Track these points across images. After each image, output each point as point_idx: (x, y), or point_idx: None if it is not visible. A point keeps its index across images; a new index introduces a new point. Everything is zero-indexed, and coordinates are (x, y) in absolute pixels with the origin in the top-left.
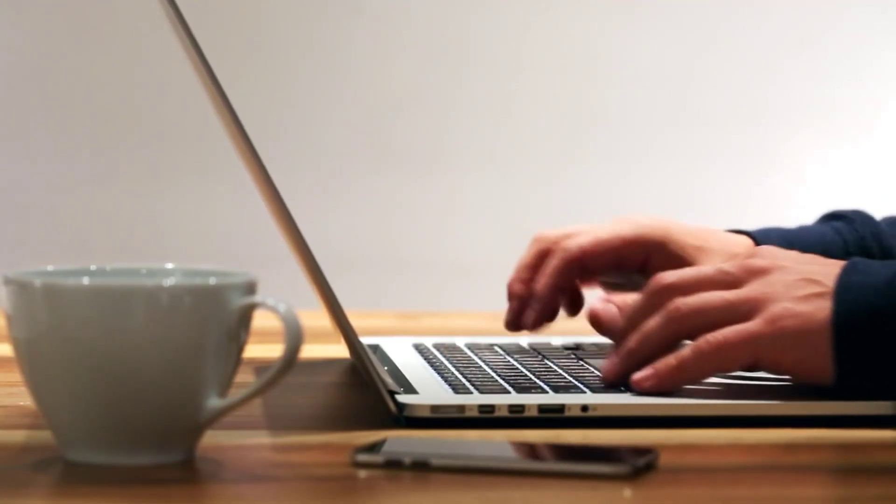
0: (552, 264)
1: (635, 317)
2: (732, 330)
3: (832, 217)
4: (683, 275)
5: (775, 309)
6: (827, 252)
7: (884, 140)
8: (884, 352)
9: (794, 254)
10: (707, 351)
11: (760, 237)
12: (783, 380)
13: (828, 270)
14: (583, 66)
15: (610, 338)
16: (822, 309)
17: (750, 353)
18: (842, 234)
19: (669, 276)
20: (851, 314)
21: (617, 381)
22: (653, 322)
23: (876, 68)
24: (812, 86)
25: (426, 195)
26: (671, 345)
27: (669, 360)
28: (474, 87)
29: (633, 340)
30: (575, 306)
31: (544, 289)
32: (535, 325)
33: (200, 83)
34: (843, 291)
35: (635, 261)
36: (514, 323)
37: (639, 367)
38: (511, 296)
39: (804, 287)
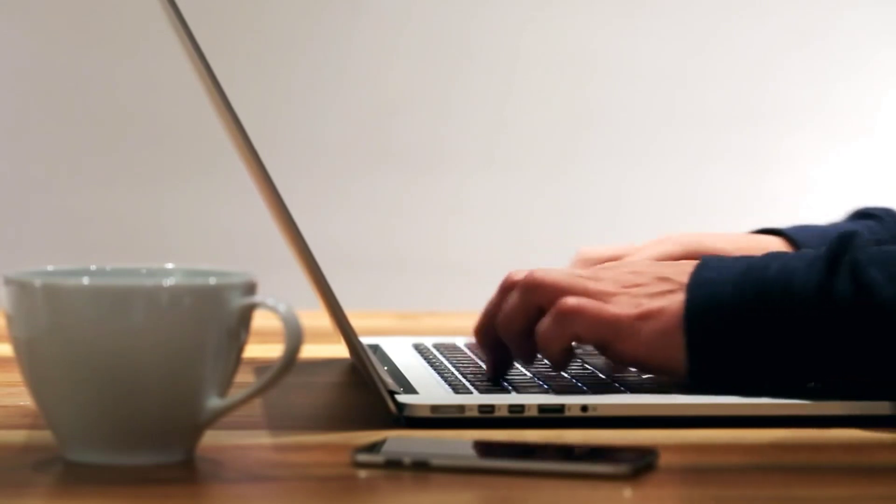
0: None
1: (493, 309)
2: (592, 302)
3: (862, 215)
4: (533, 271)
5: (631, 301)
6: None
7: (883, 139)
8: (735, 346)
9: (644, 260)
10: (565, 312)
11: (795, 234)
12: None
13: (679, 269)
14: (583, 67)
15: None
16: (675, 303)
17: (605, 331)
18: (875, 233)
19: (518, 273)
20: (703, 308)
21: (499, 374)
22: (511, 299)
23: (875, 67)
24: (812, 85)
25: (426, 195)
26: (533, 319)
27: (536, 335)
28: (474, 88)
29: (499, 323)
30: None
31: None
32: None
33: (200, 83)
34: (695, 287)
35: None
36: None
37: (515, 343)
38: None
39: (657, 285)
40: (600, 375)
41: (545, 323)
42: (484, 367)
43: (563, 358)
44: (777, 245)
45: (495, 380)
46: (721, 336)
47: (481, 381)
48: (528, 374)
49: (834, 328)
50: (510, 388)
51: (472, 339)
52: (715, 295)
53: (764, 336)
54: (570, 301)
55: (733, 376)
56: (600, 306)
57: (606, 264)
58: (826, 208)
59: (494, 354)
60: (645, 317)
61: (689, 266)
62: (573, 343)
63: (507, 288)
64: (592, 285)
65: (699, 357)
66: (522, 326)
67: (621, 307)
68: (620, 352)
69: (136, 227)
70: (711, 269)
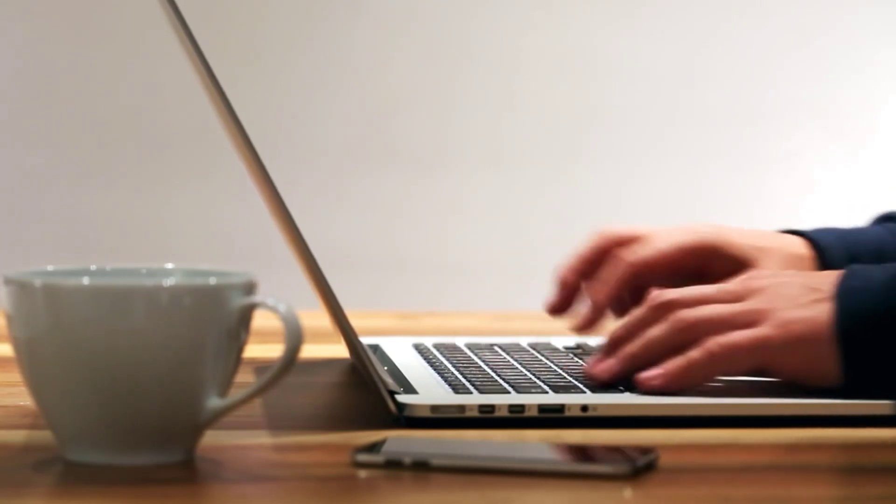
0: (615, 275)
1: (636, 325)
2: (742, 334)
3: (887, 218)
4: (685, 292)
5: (781, 315)
6: (883, 253)
7: (885, 139)
8: (887, 353)
9: (790, 270)
10: (717, 352)
11: (815, 236)
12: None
13: (826, 279)
14: (584, 67)
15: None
16: (825, 312)
17: (758, 357)
18: None
19: (670, 293)
20: (854, 317)
21: (606, 381)
22: (657, 330)
23: (877, 67)
24: (813, 85)
25: (426, 195)
26: (673, 354)
27: (678, 360)
28: (475, 88)
29: (635, 345)
30: (622, 310)
31: (602, 297)
32: (585, 329)
33: (200, 83)
34: (844, 296)
35: (692, 268)
36: (558, 309)
37: (636, 371)
38: (560, 282)
39: (806, 294)
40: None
41: (695, 357)
42: (596, 370)
43: (685, 387)
44: (799, 246)
45: (555, 311)
46: (875, 344)
47: (586, 382)
48: (528, 373)
49: None
50: (510, 388)
51: (473, 339)
52: (865, 302)
53: None
54: (719, 341)
55: (888, 383)
56: (747, 336)
57: (750, 274)
58: (827, 208)
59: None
60: (795, 331)
61: (834, 275)
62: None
63: (655, 308)
64: (738, 308)
65: (855, 366)
66: (656, 359)
67: (770, 328)
68: (778, 371)
69: (136, 227)
70: (858, 277)
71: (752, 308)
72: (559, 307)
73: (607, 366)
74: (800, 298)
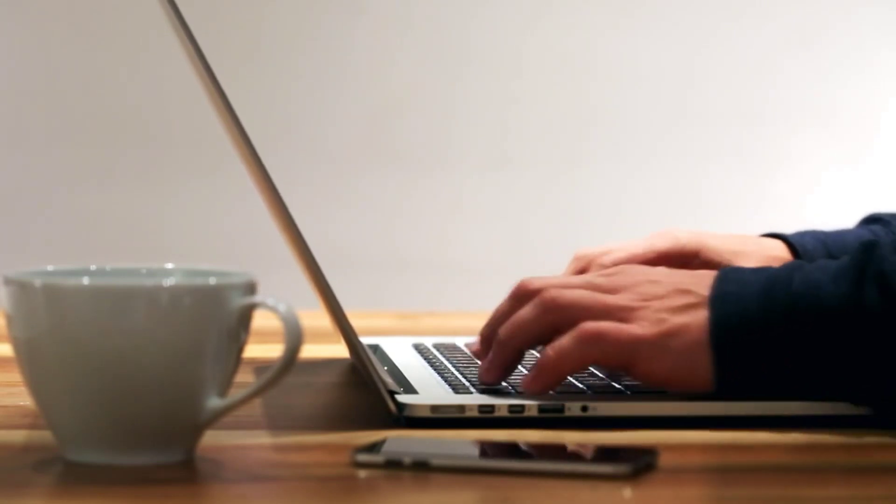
0: None
1: (502, 314)
2: (614, 325)
3: (871, 220)
4: (549, 279)
5: (653, 317)
6: None
7: (887, 139)
8: (763, 360)
9: (662, 269)
10: (586, 337)
11: (796, 240)
12: None
13: (699, 281)
14: (585, 68)
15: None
16: (699, 319)
17: (628, 353)
18: (879, 237)
19: (535, 281)
20: (728, 324)
21: (495, 381)
22: (524, 311)
23: (880, 68)
24: (816, 86)
25: (426, 195)
26: (544, 337)
27: (547, 352)
28: (475, 88)
29: (503, 329)
30: None
31: None
32: None
33: (200, 83)
34: (719, 302)
35: None
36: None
37: (513, 358)
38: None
39: (677, 298)
40: (600, 375)
41: (564, 344)
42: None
43: (560, 381)
44: (779, 249)
45: (494, 384)
46: (749, 351)
47: (476, 384)
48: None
49: (864, 339)
50: (510, 388)
51: (473, 339)
52: (740, 310)
53: (793, 350)
54: (590, 326)
55: (762, 390)
56: (621, 329)
57: (620, 268)
58: (829, 209)
59: (498, 360)
60: (668, 335)
61: (708, 278)
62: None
63: (520, 297)
64: (612, 300)
65: (727, 373)
66: (529, 342)
67: (643, 327)
68: (644, 373)
69: (136, 227)
70: (732, 281)
71: (623, 304)
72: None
73: (486, 363)
74: (672, 300)
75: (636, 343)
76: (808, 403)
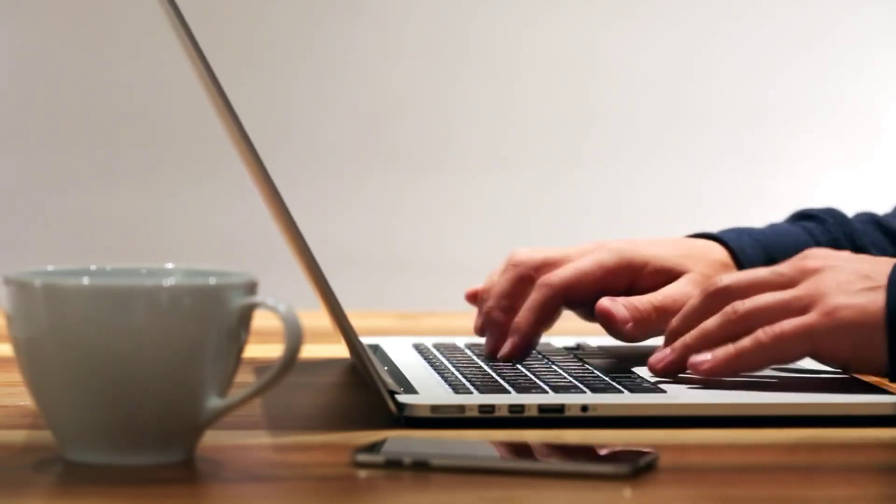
0: (536, 300)
1: (691, 316)
2: (790, 322)
3: (803, 216)
4: (739, 277)
5: (831, 301)
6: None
7: (887, 139)
8: None
9: (845, 254)
10: (765, 341)
11: (733, 242)
12: (782, 378)
13: (879, 268)
14: (585, 68)
15: (619, 337)
16: (876, 301)
17: (807, 344)
18: (814, 235)
19: (725, 279)
20: None
21: (667, 374)
22: (710, 321)
23: (880, 68)
24: (816, 86)
25: (426, 195)
26: (728, 341)
27: (728, 347)
28: (475, 88)
29: (690, 336)
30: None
31: (527, 325)
32: (516, 358)
33: (200, 83)
34: None
35: (620, 286)
36: (496, 354)
37: (684, 358)
38: (492, 325)
39: (857, 282)
40: (600, 375)
41: (746, 347)
42: (659, 365)
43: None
44: (720, 253)
45: (495, 356)
46: None
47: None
48: (528, 373)
49: None
50: (510, 388)
51: (473, 339)
52: None
53: None
54: (770, 332)
55: None
56: (796, 326)
57: (805, 253)
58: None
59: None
60: (845, 316)
61: (886, 265)
62: None
63: (712, 295)
64: (791, 296)
65: None
66: (712, 347)
67: (820, 314)
68: (829, 356)
69: (136, 227)
70: None
71: (803, 294)
72: (496, 351)
73: (663, 356)
74: (853, 285)
75: (811, 332)
76: (806, 402)
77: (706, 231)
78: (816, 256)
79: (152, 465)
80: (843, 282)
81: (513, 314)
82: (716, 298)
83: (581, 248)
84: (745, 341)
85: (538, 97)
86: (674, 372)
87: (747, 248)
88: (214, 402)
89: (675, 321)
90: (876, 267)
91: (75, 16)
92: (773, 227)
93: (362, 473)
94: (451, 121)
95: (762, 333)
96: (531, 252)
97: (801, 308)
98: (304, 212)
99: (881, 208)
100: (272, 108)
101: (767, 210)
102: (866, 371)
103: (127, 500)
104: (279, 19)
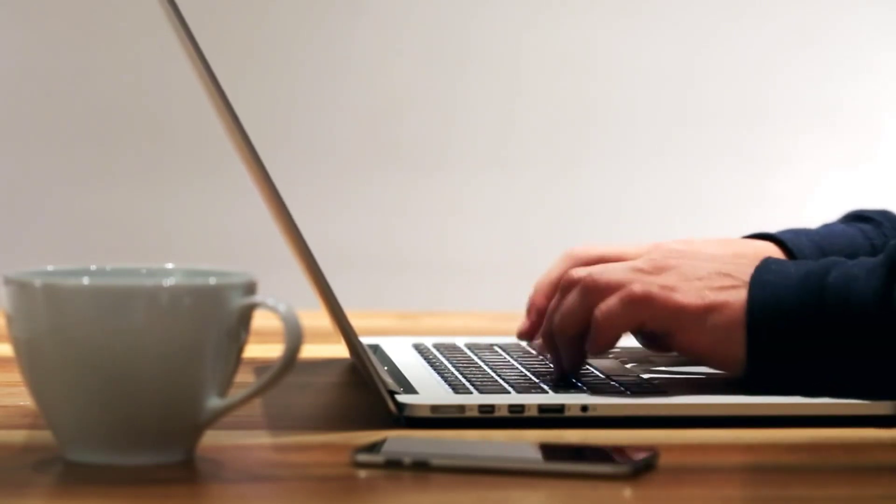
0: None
1: (553, 309)
2: (662, 291)
3: (857, 217)
4: (593, 269)
5: (695, 293)
6: (856, 255)
7: (887, 139)
8: (794, 348)
9: (701, 252)
10: (634, 299)
11: (790, 241)
12: None
13: (738, 267)
14: (585, 68)
15: (534, 345)
16: (738, 299)
17: (672, 320)
18: (870, 237)
19: (580, 271)
20: (765, 308)
21: (565, 370)
22: (569, 299)
23: (880, 68)
24: (816, 86)
25: (426, 195)
26: (589, 319)
27: (595, 315)
28: (475, 88)
29: (555, 323)
30: None
31: (570, 330)
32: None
33: (200, 83)
34: (757, 286)
35: None
36: (530, 335)
37: (568, 347)
38: (531, 308)
39: (718, 279)
40: (600, 375)
41: (611, 305)
42: (552, 366)
43: (612, 344)
44: (771, 250)
45: (566, 378)
46: (781, 337)
47: (549, 380)
48: (528, 373)
49: (891, 335)
50: (510, 388)
51: (473, 339)
52: (776, 296)
53: (823, 341)
54: (638, 287)
55: (790, 378)
56: (668, 294)
57: (661, 251)
58: (830, 209)
59: (558, 353)
60: (710, 309)
61: (748, 265)
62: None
63: (565, 288)
64: (657, 280)
65: (758, 355)
66: (579, 329)
67: (687, 297)
68: (684, 341)
69: (136, 227)
70: (772, 271)
71: (665, 282)
72: (530, 333)
73: (553, 358)
74: (712, 281)
75: (680, 311)
76: (806, 402)
77: (764, 231)
78: (672, 254)
79: (152, 465)
80: (704, 278)
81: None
82: (570, 289)
83: (637, 247)
84: (612, 300)
85: (538, 97)
86: (570, 366)
87: (805, 248)
88: (214, 402)
89: (542, 328)
90: (733, 266)
91: (76, 16)
92: (828, 228)
93: (362, 473)
94: (451, 121)
95: (631, 290)
96: (587, 249)
97: (665, 290)
98: (304, 212)
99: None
100: (272, 108)
101: (767, 210)
102: (721, 368)
103: (127, 500)
104: (279, 19)
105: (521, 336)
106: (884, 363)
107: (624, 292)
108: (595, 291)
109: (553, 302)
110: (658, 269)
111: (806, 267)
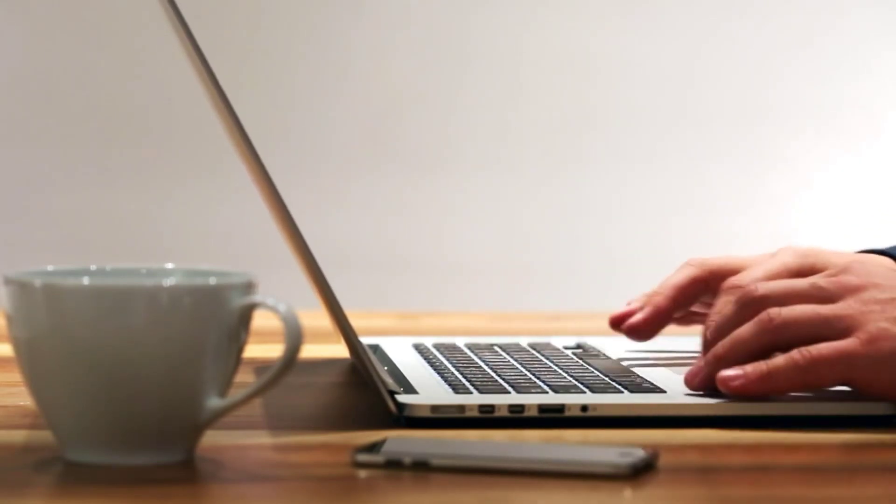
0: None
1: (724, 325)
2: (829, 346)
3: None
4: (776, 287)
5: (872, 328)
6: None
7: (886, 140)
8: None
9: (885, 270)
10: (801, 363)
11: None
12: None
13: None
14: (584, 67)
15: (632, 337)
16: None
17: (844, 372)
18: None
19: (761, 288)
20: None
21: (701, 387)
22: (744, 330)
23: (879, 69)
24: (815, 86)
25: (426, 195)
26: (761, 355)
27: (761, 365)
28: (475, 88)
29: (721, 346)
30: None
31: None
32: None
33: (200, 83)
34: None
35: None
36: (640, 331)
37: (714, 371)
38: (650, 304)
39: None
40: (600, 375)
41: (780, 366)
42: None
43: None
44: (890, 264)
45: (632, 331)
46: None
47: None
48: (528, 373)
49: None
50: (510, 388)
51: (473, 339)
52: None
53: None
54: (807, 355)
55: None
56: (833, 350)
57: (846, 267)
58: (828, 210)
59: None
60: (885, 346)
61: None
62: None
63: (745, 303)
64: (831, 311)
65: None
66: (748, 359)
67: (860, 340)
68: (865, 386)
69: (136, 227)
70: None
71: (842, 314)
72: (642, 329)
73: (697, 370)
74: (893, 310)
75: (850, 360)
76: (806, 403)
77: (873, 247)
78: (857, 272)
79: (152, 465)
80: (885, 304)
81: (676, 308)
82: (751, 308)
83: (764, 256)
84: (780, 360)
85: (538, 97)
86: (709, 384)
87: None
88: (214, 402)
89: (709, 332)
90: None
91: (77, 16)
92: None
93: (362, 473)
94: (450, 121)
95: (798, 354)
96: (710, 258)
97: (841, 329)
98: (304, 212)
99: (881, 208)
100: (272, 108)
101: (767, 210)
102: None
103: (127, 500)
104: (279, 19)
105: (621, 325)
106: None
107: (794, 358)
108: (772, 332)
109: (727, 312)
110: (840, 293)
111: None
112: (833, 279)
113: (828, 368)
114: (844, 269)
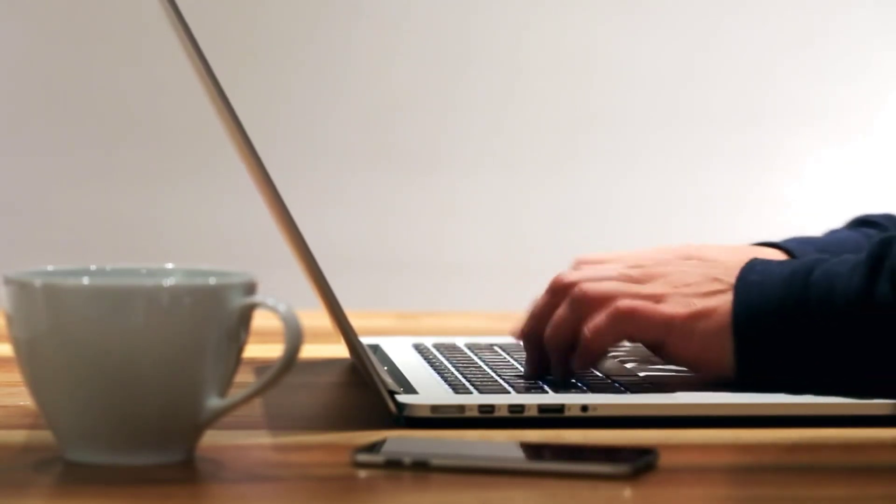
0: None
1: (541, 313)
2: (646, 304)
3: (862, 223)
4: (584, 273)
5: (683, 301)
6: None
7: (882, 139)
8: (781, 348)
9: (692, 259)
10: (620, 315)
11: (794, 248)
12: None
13: (726, 270)
14: (582, 67)
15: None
16: (725, 303)
17: (660, 331)
18: None
19: (570, 275)
20: (749, 311)
21: (537, 375)
22: (560, 311)
23: (876, 68)
24: (812, 86)
25: (426, 195)
26: (579, 330)
27: (584, 331)
28: (474, 88)
29: (547, 334)
30: None
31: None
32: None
33: (200, 83)
34: (742, 289)
35: None
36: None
37: (558, 357)
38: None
39: (706, 284)
40: (600, 375)
41: (599, 322)
42: (523, 366)
43: (600, 359)
44: (776, 258)
45: (535, 378)
46: (767, 339)
47: (519, 380)
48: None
49: (875, 332)
50: (510, 388)
51: (473, 339)
52: (762, 297)
53: (808, 339)
54: (625, 302)
55: (779, 379)
56: (654, 307)
57: (651, 258)
58: (826, 209)
59: (537, 355)
60: (696, 316)
61: (736, 267)
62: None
63: (556, 291)
64: (643, 289)
65: (746, 358)
66: (569, 340)
67: (673, 307)
68: (673, 352)
69: (136, 227)
70: (757, 271)
71: (653, 292)
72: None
73: (531, 364)
74: (700, 287)
75: (667, 321)
76: (806, 402)
77: (770, 240)
78: (662, 262)
79: (152, 465)
80: (692, 283)
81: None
82: (561, 294)
83: (645, 250)
84: (599, 317)
85: (536, 97)
86: (544, 370)
87: (811, 256)
88: (214, 402)
89: (524, 325)
90: (722, 269)
91: (78, 15)
92: (833, 235)
93: (362, 473)
94: (450, 121)
95: (618, 307)
96: (595, 255)
97: (652, 301)
98: (303, 212)
99: (880, 209)
100: (272, 108)
101: (766, 210)
102: (710, 374)
103: (127, 500)
104: (279, 19)
105: (519, 336)
106: (868, 360)
107: (611, 308)
108: (584, 304)
109: (540, 302)
110: (647, 277)
111: (791, 266)
112: (640, 268)
113: (647, 322)
114: (652, 258)
